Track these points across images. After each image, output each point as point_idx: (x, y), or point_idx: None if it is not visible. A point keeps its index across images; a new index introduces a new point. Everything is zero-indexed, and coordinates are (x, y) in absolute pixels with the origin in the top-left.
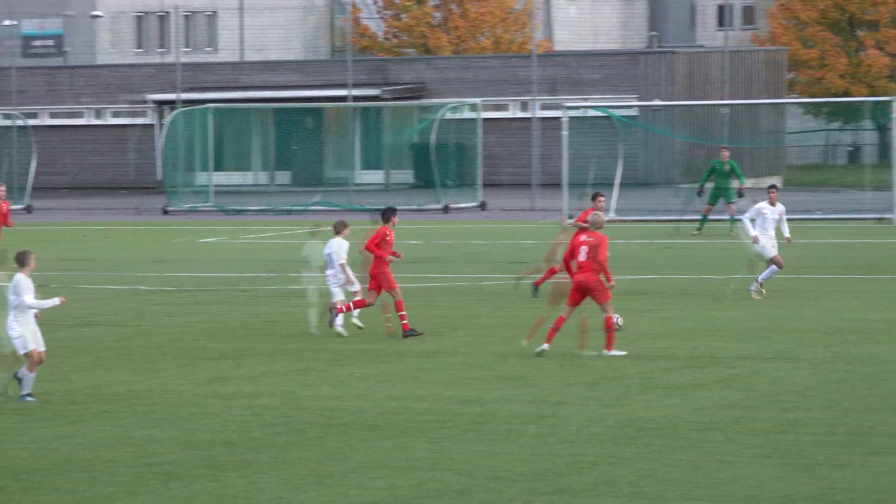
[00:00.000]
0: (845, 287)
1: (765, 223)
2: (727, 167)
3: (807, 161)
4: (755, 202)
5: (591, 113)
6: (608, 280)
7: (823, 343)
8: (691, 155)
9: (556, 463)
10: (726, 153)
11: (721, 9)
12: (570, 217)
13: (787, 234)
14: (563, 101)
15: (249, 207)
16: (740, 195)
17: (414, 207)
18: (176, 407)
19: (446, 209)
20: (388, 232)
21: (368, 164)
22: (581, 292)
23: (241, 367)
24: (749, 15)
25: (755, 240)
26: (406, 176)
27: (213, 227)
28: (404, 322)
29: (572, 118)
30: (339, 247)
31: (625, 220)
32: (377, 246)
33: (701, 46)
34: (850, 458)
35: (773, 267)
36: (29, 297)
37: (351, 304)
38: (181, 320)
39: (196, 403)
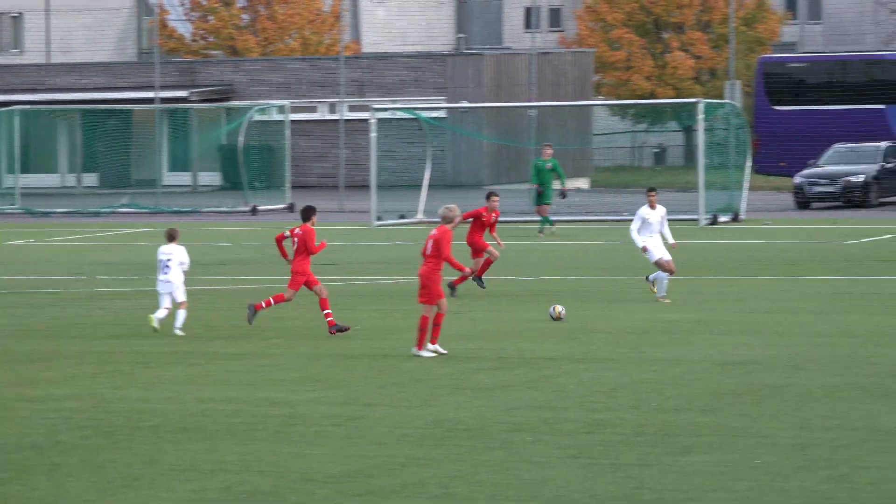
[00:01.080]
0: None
1: (650, 227)
2: (549, 165)
3: (613, 163)
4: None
5: (399, 115)
6: (461, 269)
7: (631, 344)
8: (499, 156)
9: (365, 464)
10: (549, 151)
11: (528, 11)
12: (379, 218)
13: (670, 239)
14: (371, 103)
15: (56, 209)
16: (563, 196)
17: (222, 210)
18: None
19: (254, 211)
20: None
21: (176, 167)
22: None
23: (49, 369)
24: (556, 17)
25: (644, 250)
26: (214, 178)
27: (20, 230)
28: (329, 319)
29: (380, 120)
30: (181, 252)
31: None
32: (305, 243)
33: (508, 48)
34: (657, 457)
35: (660, 273)
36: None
37: (271, 299)
38: None
39: (2, 407)
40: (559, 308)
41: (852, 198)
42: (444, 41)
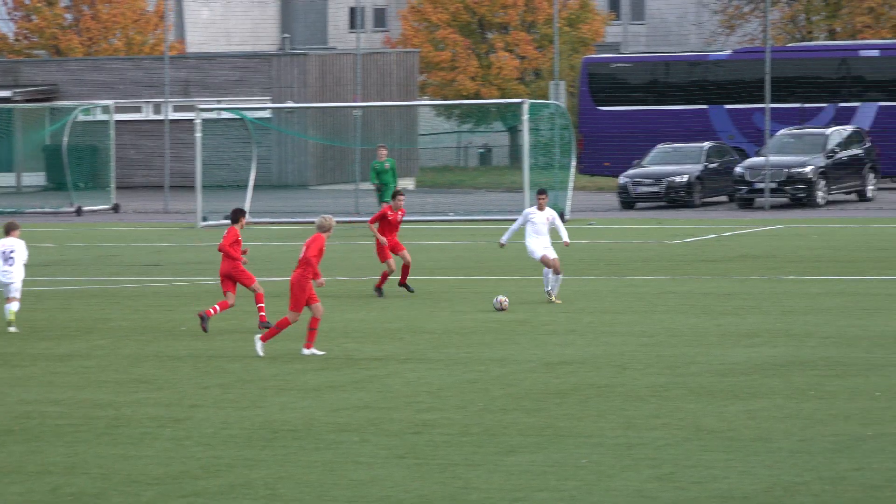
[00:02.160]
0: (478, 288)
1: (535, 228)
2: (387, 165)
3: (439, 163)
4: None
5: (225, 115)
6: (316, 277)
7: (457, 344)
8: (324, 157)
9: (191, 466)
10: (384, 152)
11: (352, 11)
12: (205, 219)
13: (565, 237)
14: (196, 103)
15: None
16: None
17: (47, 210)
18: None
19: (79, 212)
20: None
21: None
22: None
23: None
24: (380, 17)
25: (501, 245)
26: (38, 178)
27: None
28: (262, 314)
29: (205, 120)
30: (21, 246)
31: (260, 222)
32: (231, 247)
33: (333, 49)
34: (484, 457)
35: (547, 271)
36: None
37: (217, 307)
38: None
39: None
40: (502, 298)
41: (676, 198)
42: (269, 41)
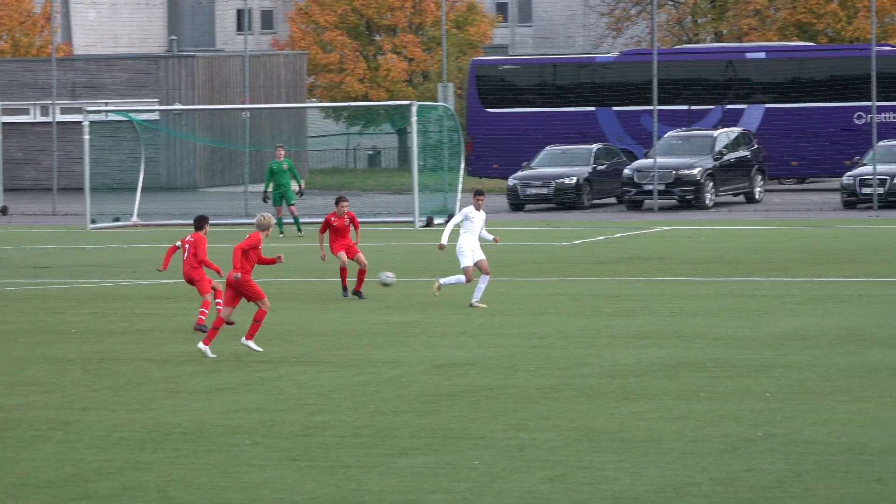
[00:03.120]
0: (368, 290)
1: (472, 228)
2: (284, 165)
3: (328, 165)
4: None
5: (112, 117)
6: (218, 270)
7: (348, 346)
8: (213, 159)
9: (83, 468)
10: (281, 151)
11: (240, 13)
12: (93, 221)
13: (489, 236)
14: (84, 105)
15: None
16: (300, 195)
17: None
18: None
19: None
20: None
21: None
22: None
23: None
24: (268, 19)
25: (440, 247)
26: None
27: None
28: (202, 316)
29: (93, 122)
30: None
31: (148, 225)
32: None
33: (221, 50)
34: (376, 459)
35: (461, 278)
36: None
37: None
38: None
39: None
40: (389, 274)
41: (565, 200)
42: (157, 43)
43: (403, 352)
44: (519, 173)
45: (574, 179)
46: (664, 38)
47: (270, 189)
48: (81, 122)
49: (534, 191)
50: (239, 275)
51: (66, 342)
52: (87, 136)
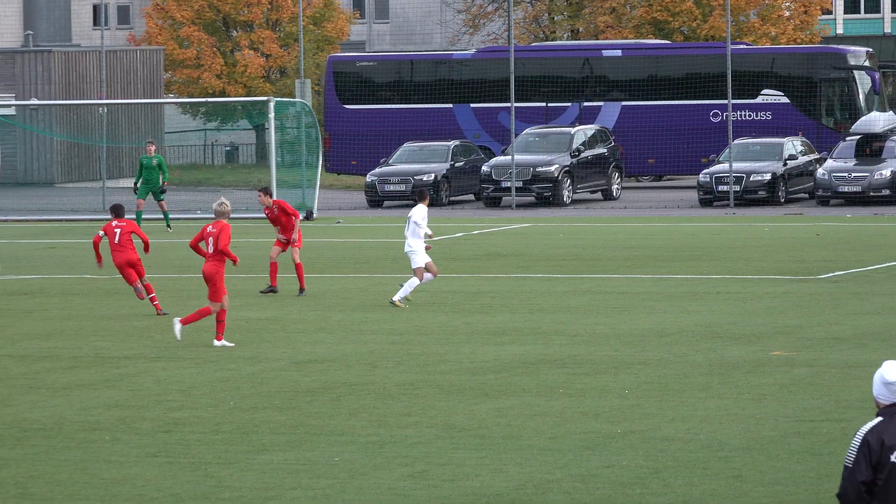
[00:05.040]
0: (229, 286)
1: (417, 231)
2: (154, 161)
3: (186, 161)
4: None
5: None
6: (235, 260)
7: (206, 342)
8: (70, 154)
9: None
10: (152, 148)
11: (95, 8)
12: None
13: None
14: None
15: None
16: (163, 191)
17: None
18: None
19: None
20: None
21: None
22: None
23: None
24: (124, 15)
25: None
26: None
27: None
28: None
29: None
30: None
31: (6, 220)
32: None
33: (77, 46)
34: (236, 455)
35: (414, 281)
36: None
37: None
38: None
39: None
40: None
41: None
42: (12, 37)
43: (263, 348)
44: (377, 170)
45: (432, 176)
46: (521, 35)
47: (140, 183)
48: None
49: (392, 187)
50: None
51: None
52: None
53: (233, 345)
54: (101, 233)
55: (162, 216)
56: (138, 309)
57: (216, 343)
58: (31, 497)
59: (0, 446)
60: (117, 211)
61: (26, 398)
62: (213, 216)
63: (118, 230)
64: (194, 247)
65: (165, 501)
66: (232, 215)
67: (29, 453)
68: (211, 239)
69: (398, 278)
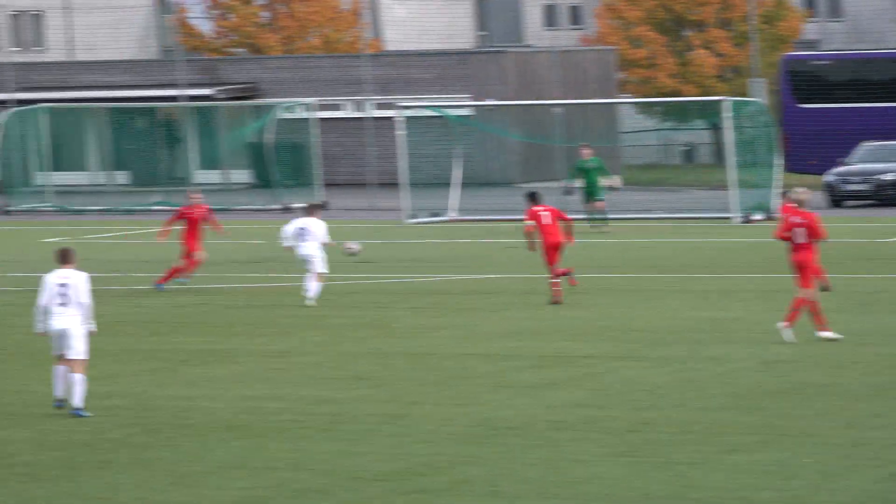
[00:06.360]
0: (687, 286)
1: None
2: (591, 164)
3: (643, 161)
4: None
5: (425, 112)
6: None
7: (670, 342)
8: (527, 154)
9: (414, 462)
10: (587, 151)
11: (547, 9)
12: (411, 216)
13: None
14: (396, 101)
15: (90, 207)
16: (612, 189)
17: (254, 207)
18: (29, 407)
19: (286, 209)
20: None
21: (206, 164)
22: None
23: (93, 367)
24: (576, 15)
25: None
26: (245, 175)
27: (54, 227)
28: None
29: (407, 118)
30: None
31: (466, 220)
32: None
33: (529, 46)
34: (706, 455)
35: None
36: None
37: None
38: (27, 320)
39: (49, 404)
40: (352, 244)
41: (885, 196)
42: (464, 39)
43: (729, 348)
44: (836, 169)
45: (894, 175)
46: None
47: (578, 184)
48: (394, 117)
49: (853, 187)
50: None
51: (390, 336)
52: (401, 132)
53: (841, 336)
54: (530, 221)
55: (591, 216)
56: (596, 310)
57: (781, 328)
58: (500, 495)
59: (469, 444)
60: (535, 197)
61: (493, 397)
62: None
63: (545, 213)
64: (781, 237)
65: (637, 501)
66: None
67: (497, 451)
68: (801, 230)
69: (864, 279)
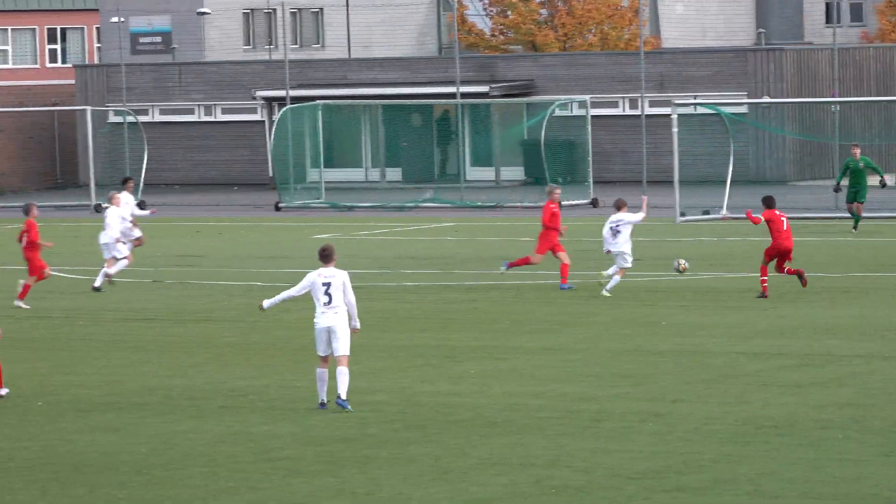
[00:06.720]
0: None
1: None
2: (861, 164)
3: None
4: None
5: (700, 110)
6: None
7: None
8: (802, 152)
9: (674, 461)
10: (857, 150)
11: (828, 6)
12: (682, 214)
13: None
14: (672, 98)
15: (361, 204)
16: (883, 186)
17: (526, 205)
18: (294, 402)
19: (592, 203)
20: None
21: (478, 161)
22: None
23: (358, 363)
24: (857, 12)
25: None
26: (517, 173)
27: (325, 224)
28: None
29: (681, 115)
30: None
31: (737, 218)
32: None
33: (809, 44)
34: None
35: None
36: None
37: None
38: (296, 315)
39: (313, 399)
40: (682, 261)
41: None
42: (744, 36)
43: None
44: None
45: None
46: None
47: (843, 183)
48: (670, 115)
49: None
50: None
51: (657, 335)
52: (675, 129)
53: None
54: (762, 219)
55: (853, 216)
56: (865, 310)
57: None
58: (764, 494)
59: (734, 443)
60: (770, 201)
61: (759, 395)
62: None
63: (784, 219)
64: None
65: None
66: None
67: (762, 450)
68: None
69: None
